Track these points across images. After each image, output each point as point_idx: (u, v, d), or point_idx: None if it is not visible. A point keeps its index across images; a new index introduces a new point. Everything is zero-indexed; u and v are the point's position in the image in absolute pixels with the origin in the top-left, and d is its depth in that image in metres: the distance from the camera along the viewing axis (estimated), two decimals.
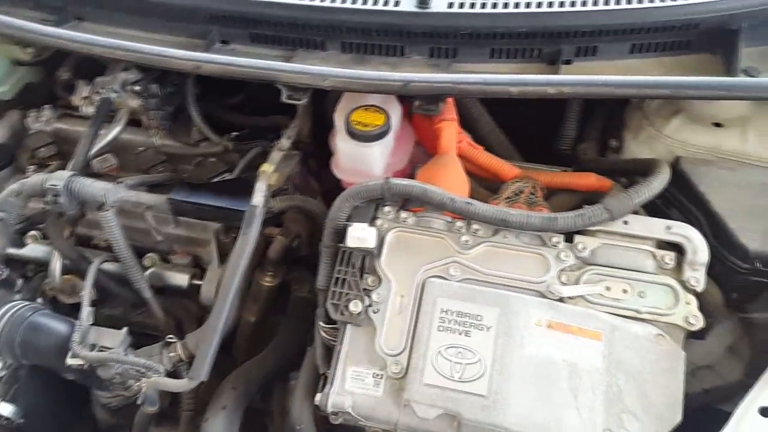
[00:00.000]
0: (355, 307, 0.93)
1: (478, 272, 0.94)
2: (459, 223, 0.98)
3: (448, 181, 1.03)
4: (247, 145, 1.23)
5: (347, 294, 0.94)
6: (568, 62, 1.00)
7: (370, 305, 0.94)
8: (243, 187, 1.08)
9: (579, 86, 0.91)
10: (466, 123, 1.21)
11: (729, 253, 0.94)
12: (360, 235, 0.93)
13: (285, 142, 1.10)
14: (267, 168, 1.05)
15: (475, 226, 0.97)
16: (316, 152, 1.28)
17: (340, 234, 0.98)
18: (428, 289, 0.93)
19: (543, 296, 0.92)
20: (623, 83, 0.91)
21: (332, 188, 1.24)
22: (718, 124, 1.06)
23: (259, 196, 1.00)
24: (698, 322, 0.89)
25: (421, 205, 1.00)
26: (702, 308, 0.91)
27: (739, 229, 0.93)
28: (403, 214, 0.99)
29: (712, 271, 0.92)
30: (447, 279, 0.94)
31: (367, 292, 0.95)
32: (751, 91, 0.89)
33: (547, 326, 0.89)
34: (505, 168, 1.10)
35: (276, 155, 1.08)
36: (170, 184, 1.15)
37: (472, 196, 1.07)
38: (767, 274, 0.92)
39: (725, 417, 1.06)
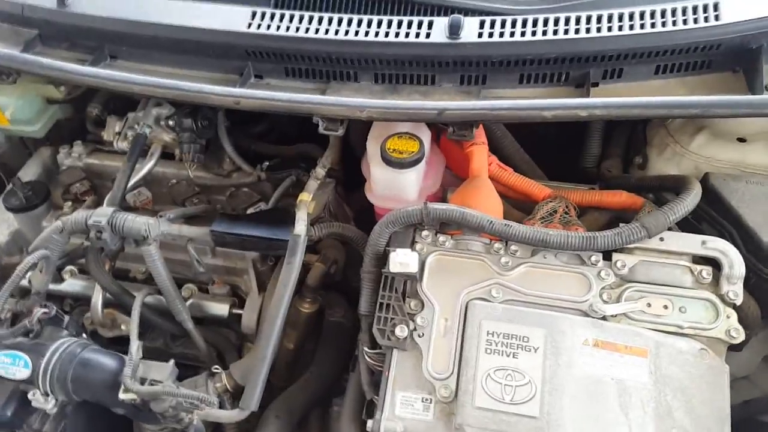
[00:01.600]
0: (401, 331, 0.94)
1: (521, 293, 0.96)
2: (497, 245, 1.00)
3: (483, 203, 1.05)
4: (280, 175, 1.26)
5: (392, 319, 0.96)
6: (595, 85, 1.02)
7: (414, 329, 0.95)
8: (281, 217, 1.10)
9: (612, 108, 0.94)
10: (491, 144, 1.23)
11: (764, 266, 0.96)
12: (403, 260, 0.95)
13: (320, 171, 1.13)
14: (305, 197, 1.07)
15: (513, 248, 1.00)
16: (344, 178, 1.31)
17: (381, 259, 1.00)
18: (472, 311, 0.94)
19: (586, 315, 0.94)
20: (653, 104, 0.94)
21: (361, 212, 1.27)
22: (741, 139, 1.09)
23: (301, 225, 1.02)
24: (740, 335, 0.91)
25: (458, 228, 1.02)
26: (741, 321, 0.93)
27: None
28: (442, 238, 1.01)
29: (747, 284, 0.94)
30: (490, 301, 0.96)
31: (411, 316, 0.96)
32: None
33: (594, 345, 0.91)
34: (536, 188, 1.13)
35: (313, 184, 1.10)
36: (207, 215, 1.18)
37: (505, 218, 1.10)
38: None
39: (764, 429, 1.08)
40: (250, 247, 1.10)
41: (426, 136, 1.11)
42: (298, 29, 1.06)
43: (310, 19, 1.06)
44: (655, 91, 1.02)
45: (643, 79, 1.03)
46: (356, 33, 1.03)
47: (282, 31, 1.06)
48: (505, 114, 0.97)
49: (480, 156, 1.11)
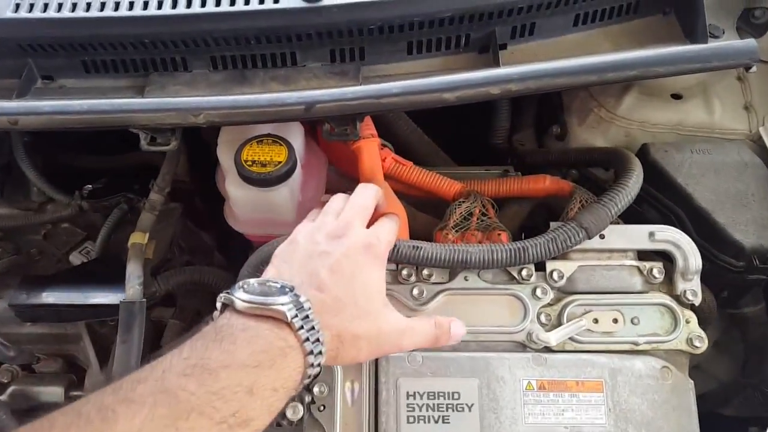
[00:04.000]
0: (294, 412, 0.70)
1: None
2: (406, 271, 0.77)
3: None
4: (108, 201, 0.94)
5: None
6: (503, 47, 0.80)
7: (312, 402, 0.72)
8: (112, 268, 0.80)
9: (529, 80, 0.72)
10: (382, 129, 0.99)
11: (720, 252, 0.80)
12: None
13: (156, 198, 0.83)
14: (138, 239, 0.78)
15: (426, 272, 0.77)
16: (198, 188, 1.01)
17: None
18: (384, 368, 0.72)
19: (525, 347, 0.75)
20: (581, 69, 0.73)
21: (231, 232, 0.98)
22: (676, 96, 0.91)
23: (134, 286, 0.73)
24: (703, 344, 0.75)
25: None
26: (698, 318, 0.77)
27: (729, 223, 0.79)
28: None
29: (701, 274, 0.78)
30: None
31: (306, 386, 0.72)
32: (729, 59, 0.73)
33: (539, 388, 0.72)
34: (444, 184, 0.90)
35: (147, 218, 0.81)
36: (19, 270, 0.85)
37: (410, 225, 0.87)
38: (765, 270, 0.79)
39: (727, 423, 0.97)
40: (70, 317, 0.80)
41: (296, 134, 0.84)
42: (89, 5, 0.74)
43: None
44: (575, 47, 0.81)
45: (560, 33, 0.82)
46: (174, 4, 0.73)
47: (67, 11, 0.74)
48: (396, 102, 0.72)
49: (370, 153, 0.85)
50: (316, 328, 0.53)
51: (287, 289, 0.54)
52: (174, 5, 0.73)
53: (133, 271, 0.75)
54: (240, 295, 0.53)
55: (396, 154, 0.96)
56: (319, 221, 0.67)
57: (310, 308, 0.54)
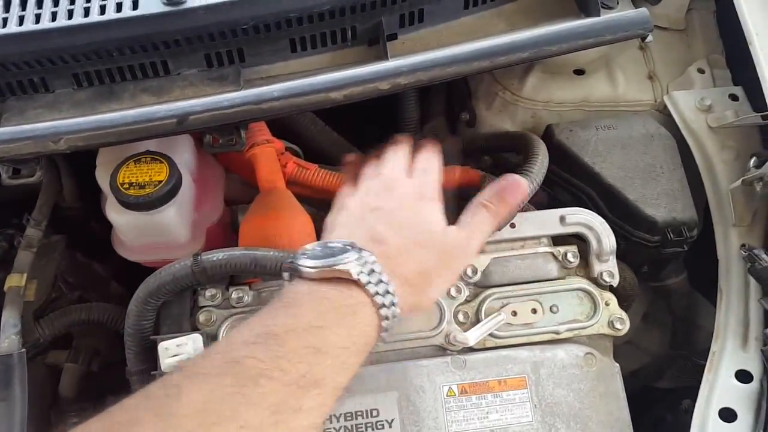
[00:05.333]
0: None
1: None
2: None
3: (284, 227, 0.76)
4: None
5: None
6: (392, 37, 0.75)
7: None
8: None
9: (419, 72, 0.68)
10: (283, 128, 0.93)
11: (634, 228, 0.79)
12: (178, 353, 0.64)
13: (33, 233, 0.75)
14: (15, 282, 0.70)
15: None
16: (91, 213, 0.92)
17: (150, 351, 0.68)
18: None
19: (444, 350, 0.71)
20: (470, 56, 0.69)
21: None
22: (579, 71, 0.89)
23: (9, 336, 0.66)
24: (624, 326, 0.73)
25: (256, 276, 0.73)
26: (619, 298, 0.76)
27: (640, 198, 0.77)
28: (236, 294, 0.71)
29: (617, 252, 0.76)
30: None
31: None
32: (622, 30, 0.71)
33: (461, 393, 0.69)
34: None
35: (24, 257, 0.73)
36: None
37: (318, 231, 0.82)
38: (680, 243, 0.78)
39: (660, 396, 0.96)
40: None
41: (183, 145, 0.78)
42: None
43: None
44: (469, 31, 0.77)
45: (452, 18, 0.77)
46: (21, 20, 0.66)
47: None
48: (278, 105, 0.66)
49: (266, 161, 0.80)
50: (384, 280, 0.52)
51: (349, 247, 0.53)
52: (20, 22, 0.65)
53: (8, 320, 0.67)
54: (303, 262, 0.52)
55: (301, 157, 0.92)
56: (363, 185, 0.65)
57: (374, 261, 0.53)
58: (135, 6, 0.66)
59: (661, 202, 0.78)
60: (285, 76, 0.73)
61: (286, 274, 0.55)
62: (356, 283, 0.51)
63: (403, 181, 0.64)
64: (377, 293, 0.52)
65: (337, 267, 0.51)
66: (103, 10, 0.66)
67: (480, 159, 0.95)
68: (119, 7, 0.66)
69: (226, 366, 0.45)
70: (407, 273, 0.56)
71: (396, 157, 0.67)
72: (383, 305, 0.52)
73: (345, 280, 0.51)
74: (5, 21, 0.66)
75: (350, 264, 0.51)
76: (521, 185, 0.66)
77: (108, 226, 0.79)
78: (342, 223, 0.62)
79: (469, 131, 0.98)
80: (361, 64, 0.71)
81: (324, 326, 0.49)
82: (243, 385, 0.43)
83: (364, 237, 0.57)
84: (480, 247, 0.64)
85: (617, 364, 0.73)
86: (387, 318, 0.52)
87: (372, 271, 0.52)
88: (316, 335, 0.48)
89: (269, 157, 0.80)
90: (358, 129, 1.02)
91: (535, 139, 0.79)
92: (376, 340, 0.53)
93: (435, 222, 0.62)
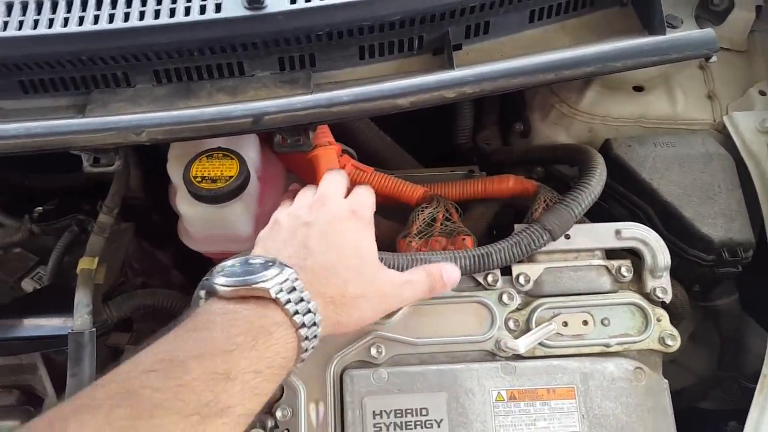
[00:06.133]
0: None
1: (409, 344, 0.72)
2: None
3: None
4: (60, 223, 0.90)
5: None
6: (457, 47, 0.77)
7: (276, 427, 0.69)
8: (63, 295, 0.77)
9: (485, 82, 0.69)
10: (342, 133, 0.96)
11: (689, 246, 0.79)
12: None
13: (105, 220, 0.79)
14: (87, 264, 0.74)
15: None
16: (154, 203, 0.97)
17: None
18: (349, 386, 0.69)
19: (493, 355, 0.73)
20: (536, 68, 0.71)
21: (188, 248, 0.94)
22: (638, 88, 0.90)
23: (82, 315, 0.70)
24: (675, 342, 0.74)
25: None
26: (670, 315, 0.76)
27: (697, 217, 0.77)
28: None
29: (670, 269, 0.77)
30: (371, 364, 0.71)
31: (269, 408, 0.70)
32: (687, 50, 0.71)
33: (510, 398, 0.70)
34: (406, 189, 0.87)
35: (96, 242, 0.77)
36: None
37: (374, 233, 0.85)
38: (734, 263, 0.78)
39: (705, 417, 0.96)
40: (21, 350, 0.77)
41: (250, 145, 0.81)
42: (21, 24, 0.70)
43: (39, 5, 0.71)
44: (533, 44, 0.79)
45: (516, 30, 0.79)
46: (111, 18, 0.70)
47: None
48: (347, 110, 0.69)
49: (327, 162, 0.82)
50: (305, 299, 0.51)
51: (270, 264, 0.51)
52: (111, 20, 0.69)
53: (81, 300, 0.71)
54: (218, 280, 0.50)
55: (358, 161, 0.94)
56: (297, 201, 0.66)
57: (297, 279, 0.51)
58: (218, 9, 0.69)
59: (718, 221, 0.78)
60: (352, 82, 0.76)
61: (202, 292, 0.52)
62: (275, 301, 0.49)
63: (337, 198, 0.65)
64: (297, 312, 0.49)
65: (254, 285, 0.49)
66: (187, 11, 0.69)
67: (533, 170, 0.96)
68: (203, 10, 0.69)
69: (120, 396, 0.42)
70: (333, 292, 0.55)
71: (334, 179, 0.68)
72: (303, 325, 0.50)
73: (263, 298, 0.49)
74: (96, 18, 0.70)
75: (269, 282, 0.49)
76: (456, 278, 0.67)
77: (168, 217, 0.82)
78: (271, 237, 0.61)
79: (522, 142, 0.99)
80: (426, 72, 0.73)
81: (234, 350, 0.46)
82: (138, 417, 0.40)
83: (292, 252, 0.56)
84: (411, 301, 0.65)
85: (666, 381, 0.73)
86: (307, 338, 0.50)
87: (293, 289, 0.50)
88: (225, 360, 0.45)
89: (330, 159, 0.83)
90: (416, 137, 1.04)
91: (594, 152, 0.80)
92: (296, 361, 0.51)
93: (366, 247, 0.61)
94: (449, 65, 0.75)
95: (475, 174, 0.95)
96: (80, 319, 0.70)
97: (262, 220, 0.84)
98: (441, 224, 0.82)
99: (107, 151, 0.70)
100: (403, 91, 0.69)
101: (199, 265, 0.82)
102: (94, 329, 0.71)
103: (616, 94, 0.89)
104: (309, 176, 0.89)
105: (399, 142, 1.04)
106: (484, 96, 0.72)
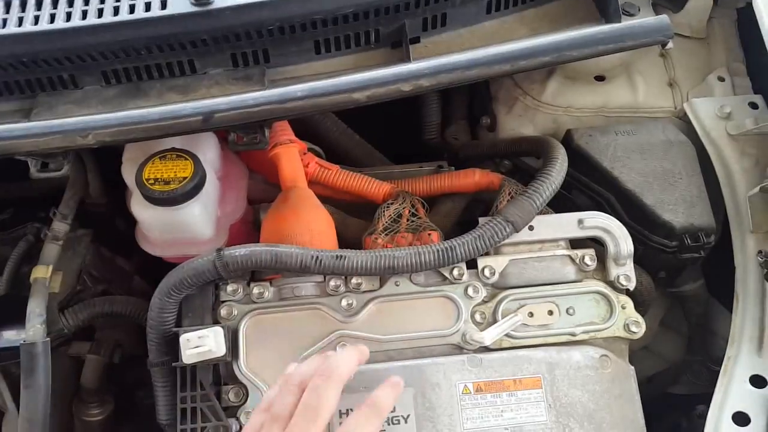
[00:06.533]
0: None
1: (376, 341, 0.71)
2: (333, 282, 0.74)
3: (305, 225, 0.77)
4: (15, 232, 0.87)
5: (204, 428, 0.67)
6: (415, 40, 0.76)
7: (240, 430, 0.68)
8: (18, 306, 0.74)
9: (441, 74, 0.69)
10: (306, 130, 0.94)
11: (652, 233, 0.79)
12: (200, 345, 0.66)
13: (59, 227, 0.77)
14: (41, 273, 0.72)
15: (355, 281, 0.73)
16: (117, 210, 0.95)
17: (172, 342, 0.70)
18: None
19: (460, 349, 0.72)
20: (492, 59, 0.70)
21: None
22: (600, 78, 0.90)
23: (34, 325, 0.68)
24: (640, 329, 0.74)
25: (277, 272, 0.74)
26: (636, 302, 0.76)
27: (658, 204, 0.78)
28: (257, 289, 0.72)
29: (635, 256, 0.77)
30: None
31: (234, 411, 0.68)
32: (642, 37, 0.71)
33: (476, 391, 0.69)
34: (372, 186, 0.86)
35: (50, 249, 0.75)
36: None
37: (340, 231, 0.84)
38: (697, 248, 0.78)
39: (675, 402, 0.96)
40: None
41: (208, 143, 0.80)
42: None
43: None
44: (491, 36, 0.79)
45: (474, 22, 0.79)
46: (52, 18, 0.67)
47: None
48: (302, 105, 0.68)
49: (289, 160, 0.81)
50: None
51: None
52: (52, 20, 0.67)
53: (34, 310, 0.69)
54: None
55: (323, 158, 0.93)
56: (256, 416, 0.56)
57: None
58: (163, 6, 0.67)
59: (679, 207, 0.78)
60: (309, 77, 0.74)
61: None
62: None
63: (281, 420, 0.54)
64: None
65: None
66: (132, 9, 0.68)
67: (500, 163, 0.95)
68: (148, 7, 0.68)
69: None
70: None
71: (283, 393, 0.57)
72: None
73: None
74: (36, 19, 0.68)
75: None
76: (398, 385, 0.61)
77: (133, 222, 0.80)
78: None
79: (489, 135, 0.99)
80: (384, 66, 0.72)
81: None
82: None
83: None
84: None
85: (632, 367, 0.73)
86: None
87: None
88: None
89: (292, 157, 0.82)
90: (384, 134, 1.03)
91: (555, 143, 0.79)
92: None
93: None
94: (407, 58, 0.73)
95: (443, 169, 0.95)
96: (32, 329, 0.68)
97: (222, 221, 0.82)
98: (407, 220, 0.82)
99: (54, 156, 0.68)
100: (358, 85, 0.68)
101: (162, 270, 0.80)
102: (48, 339, 0.69)
103: (577, 84, 0.89)
104: (272, 175, 0.87)
105: (368, 140, 1.03)
106: (441, 89, 0.71)
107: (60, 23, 0.67)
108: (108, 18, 0.67)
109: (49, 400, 0.67)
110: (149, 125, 0.65)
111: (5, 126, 0.66)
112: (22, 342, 0.67)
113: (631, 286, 0.75)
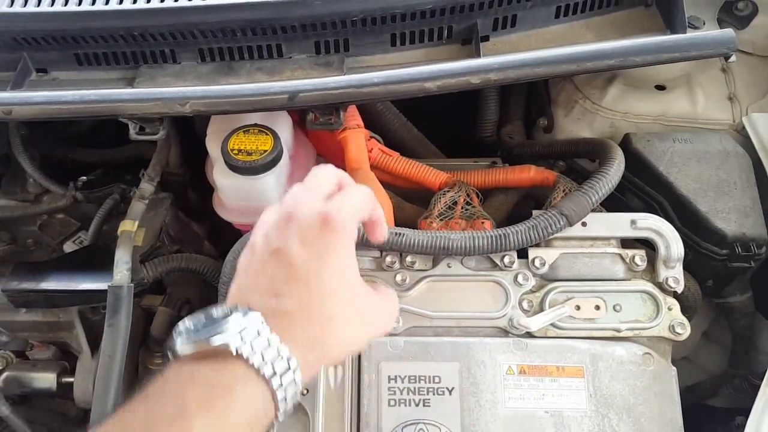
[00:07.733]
0: None
1: (425, 317, 0.76)
2: (389, 258, 0.78)
3: None
4: (102, 191, 0.96)
5: None
6: (485, 39, 0.81)
7: None
8: (103, 255, 0.82)
9: (509, 70, 0.73)
10: (370, 120, 1.00)
11: (703, 240, 0.81)
12: None
13: (146, 187, 0.84)
14: (128, 227, 0.80)
15: (410, 259, 0.78)
16: (190, 180, 1.03)
17: None
18: (366, 351, 0.73)
19: (506, 332, 0.76)
20: (559, 59, 0.74)
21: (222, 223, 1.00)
22: (660, 87, 0.92)
23: (121, 271, 0.75)
24: (685, 331, 0.75)
25: None
26: (682, 307, 0.78)
27: (711, 211, 0.80)
28: None
29: (684, 262, 0.78)
30: (389, 334, 0.74)
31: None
32: (706, 48, 0.74)
33: (520, 373, 0.73)
34: (430, 174, 0.91)
35: (137, 207, 0.82)
36: (12, 259, 0.88)
37: (397, 215, 0.89)
38: (747, 258, 0.80)
39: (714, 414, 0.97)
40: (61, 303, 0.82)
41: (284, 124, 0.86)
42: (80, 0, 0.76)
43: None
44: (558, 39, 0.82)
45: (542, 25, 0.83)
46: None
47: (60, 5, 0.76)
48: (377, 91, 0.73)
49: (356, 144, 0.87)
50: (272, 343, 0.45)
51: (233, 310, 0.45)
52: None
53: (122, 257, 0.76)
54: (177, 342, 0.45)
55: (384, 146, 0.98)
56: (271, 214, 0.56)
57: (263, 322, 0.45)
58: None
59: (732, 216, 0.79)
60: (383, 67, 0.80)
61: (169, 353, 0.46)
62: (236, 354, 0.43)
63: (306, 207, 0.52)
64: (264, 360, 0.44)
65: (213, 339, 0.43)
66: None
67: (554, 164, 0.99)
68: None
69: None
70: (311, 336, 0.48)
71: (308, 181, 0.56)
72: (273, 374, 0.44)
73: (223, 353, 0.43)
74: None
75: (227, 333, 0.43)
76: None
77: (202, 194, 0.87)
78: (245, 269, 0.52)
79: (545, 136, 1.02)
80: (454, 60, 0.77)
81: (187, 415, 0.41)
82: None
83: (264, 290, 0.49)
84: (391, 326, 0.57)
85: (674, 368, 0.75)
86: (282, 386, 0.44)
87: (257, 335, 0.44)
88: (178, 428, 0.40)
89: (358, 141, 0.87)
90: (441, 129, 1.08)
91: (613, 145, 0.82)
92: (276, 411, 0.45)
93: (342, 270, 0.50)
94: (476, 55, 0.78)
95: (497, 165, 0.99)
96: (119, 274, 0.75)
97: None
98: (462, 208, 0.86)
99: (152, 121, 0.75)
100: (430, 75, 0.73)
101: (231, 237, 0.87)
102: (132, 284, 0.76)
103: (638, 91, 0.92)
104: (338, 159, 0.93)
105: (425, 134, 1.08)
106: (508, 84, 0.75)
107: (169, 2, 0.74)
108: (211, 0, 0.74)
109: (127, 339, 0.74)
110: (241, 99, 0.72)
111: (114, 90, 0.74)
112: (109, 285, 0.74)
113: (680, 288, 0.77)
